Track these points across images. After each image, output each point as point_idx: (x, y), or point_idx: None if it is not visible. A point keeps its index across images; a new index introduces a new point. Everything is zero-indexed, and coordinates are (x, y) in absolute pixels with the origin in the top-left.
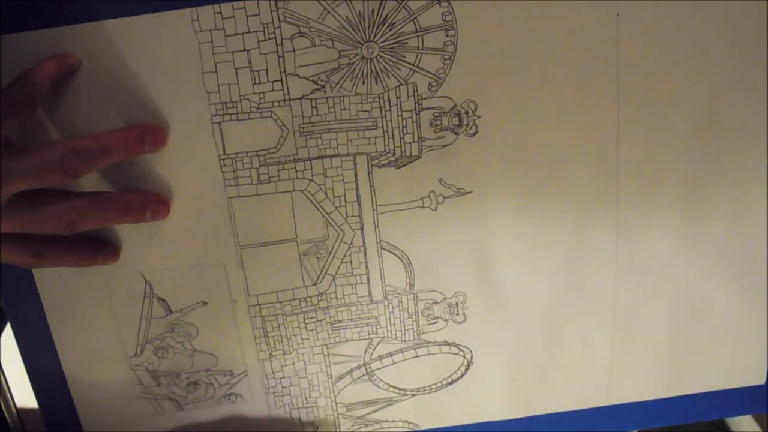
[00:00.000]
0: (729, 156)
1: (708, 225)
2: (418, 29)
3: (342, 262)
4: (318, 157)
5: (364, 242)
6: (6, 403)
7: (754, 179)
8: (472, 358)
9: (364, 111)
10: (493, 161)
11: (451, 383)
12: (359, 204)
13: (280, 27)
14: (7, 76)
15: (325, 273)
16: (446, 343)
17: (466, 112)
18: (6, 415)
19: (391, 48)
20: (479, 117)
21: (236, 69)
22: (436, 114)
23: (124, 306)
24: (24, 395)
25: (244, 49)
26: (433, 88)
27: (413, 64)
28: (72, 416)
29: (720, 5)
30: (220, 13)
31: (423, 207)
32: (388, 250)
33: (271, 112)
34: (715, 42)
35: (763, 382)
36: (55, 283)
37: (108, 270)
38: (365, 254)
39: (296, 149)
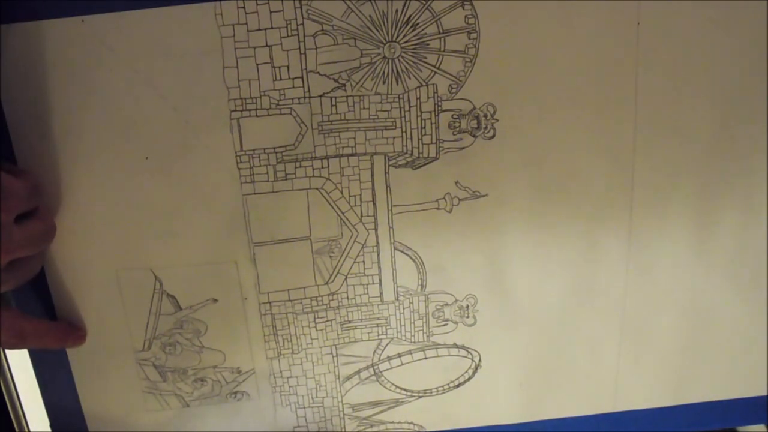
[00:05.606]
0: (742, 169)
1: (718, 237)
2: (441, 31)
3: (355, 262)
4: (335, 156)
5: (377, 242)
6: (9, 392)
7: (766, 193)
8: (480, 361)
9: (384, 111)
10: (510, 165)
11: (458, 386)
12: (374, 204)
13: (303, 24)
14: (29, 63)
15: (338, 272)
16: (455, 346)
17: (485, 116)
18: (8, 404)
19: (413, 49)
20: (497, 120)
21: (257, 65)
22: (454, 116)
23: (133, 301)
24: (27, 387)
25: (266, 45)
26: (453, 91)
27: (434, 66)
28: (75, 408)
29: (739, 18)
30: (244, 8)
31: (438, 209)
32: (401, 251)
33: (291, 109)
34: (734, 55)
35: (764, 393)
36: (65, 276)
37: (118, 265)
38: (378, 254)
39: (314, 147)
